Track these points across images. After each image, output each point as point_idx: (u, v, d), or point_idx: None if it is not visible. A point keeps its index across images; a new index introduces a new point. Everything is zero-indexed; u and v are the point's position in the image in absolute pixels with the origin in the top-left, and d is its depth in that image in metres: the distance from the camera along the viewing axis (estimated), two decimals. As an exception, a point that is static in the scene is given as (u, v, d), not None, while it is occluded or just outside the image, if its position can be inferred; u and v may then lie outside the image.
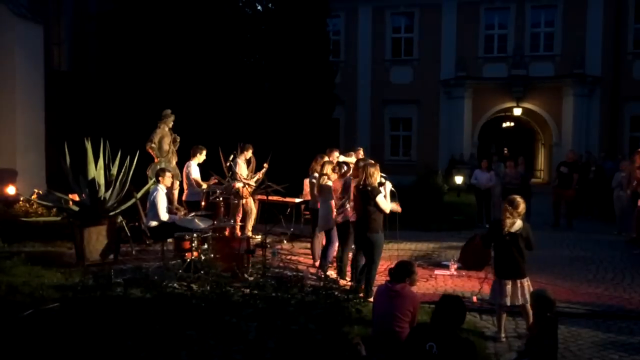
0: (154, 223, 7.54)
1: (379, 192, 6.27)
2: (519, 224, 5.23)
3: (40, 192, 10.09)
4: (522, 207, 5.24)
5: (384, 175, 6.71)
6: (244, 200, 9.14)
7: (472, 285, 7.08)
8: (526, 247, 5.24)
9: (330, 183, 7.34)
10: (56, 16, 15.63)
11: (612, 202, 11.51)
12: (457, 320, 3.67)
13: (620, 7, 20.38)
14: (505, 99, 21.44)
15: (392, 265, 4.77)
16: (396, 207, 6.80)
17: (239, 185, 8.94)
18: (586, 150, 17.88)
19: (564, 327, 5.64)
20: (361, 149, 9.28)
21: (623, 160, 11.74)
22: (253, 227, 9.58)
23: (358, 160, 7.19)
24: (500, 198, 11.84)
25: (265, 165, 9.57)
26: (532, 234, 5.29)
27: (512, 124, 25.58)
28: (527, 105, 21.36)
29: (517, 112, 21.76)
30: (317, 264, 7.68)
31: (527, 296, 5.23)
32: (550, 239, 10.32)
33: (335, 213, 7.19)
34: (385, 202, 6.33)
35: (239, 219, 9.05)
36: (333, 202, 7.26)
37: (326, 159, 7.72)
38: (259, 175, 9.58)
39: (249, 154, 9.59)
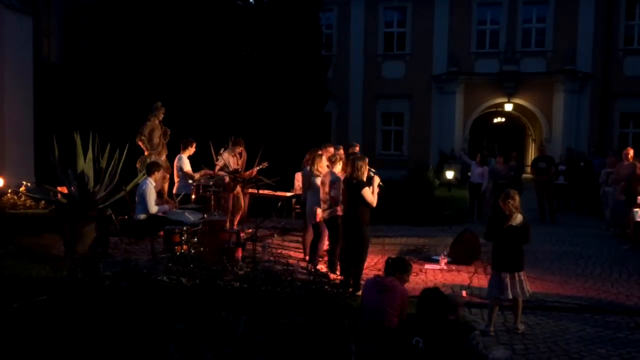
0: (143, 216, 7.51)
1: (365, 185, 6.25)
2: (519, 217, 5.28)
3: (29, 184, 9.98)
4: (517, 198, 5.31)
5: (372, 170, 6.70)
6: (231, 194, 9.09)
7: (462, 280, 7.14)
8: (523, 240, 5.29)
9: (319, 178, 7.28)
10: (46, 7, 15.42)
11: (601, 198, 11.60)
12: (440, 312, 3.67)
13: (612, 4, 20.48)
14: (496, 94, 21.52)
15: (385, 259, 4.78)
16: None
17: (223, 173, 8.93)
18: (568, 147, 17.84)
19: (552, 321, 5.69)
20: (357, 145, 9.24)
21: (609, 156, 11.73)
22: (242, 221, 9.54)
23: (348, 154, 7.16)
24: (491, 193, 11.89)
25: (264, 164, 9.41)
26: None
27: (503, 119, 25.66)
28: (518, 100, 21.45)
29: (508, 107, 21.85)
30: (308, 257, 7.66)
31: (525, 288, 5.30)
32: (539, 234, 10.35)
33: (320, 208, 7.13)
34: (372, 196, 6.30)
35: (229, 212, 9.02)
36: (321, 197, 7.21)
37: (319, 153, 7.67)
38: (253, 171, 9.49)
39: (237, 149, 9.53)
